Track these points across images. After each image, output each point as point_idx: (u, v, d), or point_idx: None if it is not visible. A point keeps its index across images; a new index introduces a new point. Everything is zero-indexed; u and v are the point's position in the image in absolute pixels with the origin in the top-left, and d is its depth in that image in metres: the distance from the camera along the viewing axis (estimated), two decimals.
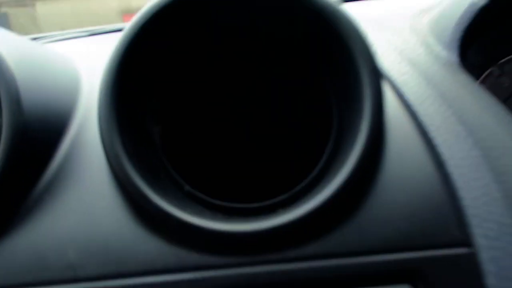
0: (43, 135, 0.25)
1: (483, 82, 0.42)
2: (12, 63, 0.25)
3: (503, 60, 0.41)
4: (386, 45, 0.34)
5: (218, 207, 0.26)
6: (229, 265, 0.21)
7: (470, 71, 0.40)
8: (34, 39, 0.51)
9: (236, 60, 0.28)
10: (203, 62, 0.28)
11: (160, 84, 0.27)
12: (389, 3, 0.49)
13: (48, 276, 0.22)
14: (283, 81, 0.27)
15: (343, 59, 0.24)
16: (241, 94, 0.27)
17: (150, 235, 0.23)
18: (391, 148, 0.24)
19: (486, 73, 0.42)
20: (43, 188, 0.25)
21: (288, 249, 0.22)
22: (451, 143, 0.24)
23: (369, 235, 0.22)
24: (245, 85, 0.27)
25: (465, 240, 0.21)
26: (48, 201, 0.24)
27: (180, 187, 0.26)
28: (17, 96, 0.24)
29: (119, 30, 0.59)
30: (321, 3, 0.23)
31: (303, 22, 0.25)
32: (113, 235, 0.23)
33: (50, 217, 0.24)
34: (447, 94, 0.27)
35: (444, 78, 0.29)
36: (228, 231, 0.21)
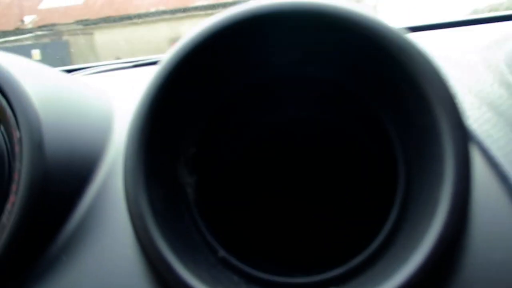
0: (65, 185, 0.23)
1: None
2: (38, 101, 0.23)
3: None
4: (458, 85, 0.29)
5: (257, 279, 0.21)
6: None
7: None
8: (73, 70, 0.50)
9: (286, 105, 0.24)
10: (249, 105, 0.25)
11: (199, 130, 0.24)
12: (456, 33, 0.44)
13: None
14: (339, 133, 0.23)
15: (415, 108, 0.20)
16: (292, 148, 0.24)
17: None
18: (477, 223, 0.19)
19: None
20: (61, 247, 0.22)
21: None
22: None
23: None
24: (298, 137, 0.24)
25: None
26: (64, 262, 0.21)
27: (214, 252, 0.22)
28: (40, 140, 0.22)
29: None
30: (387, 33, 0.19)
31: (361, 56, 0.21)
32: None
33: (65, 281, 0.21)
34: None
35: None
36: None
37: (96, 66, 0.58)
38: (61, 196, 0.22)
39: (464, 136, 0.18)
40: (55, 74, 0.28)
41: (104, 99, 0.31)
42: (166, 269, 0.19)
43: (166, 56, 0.21)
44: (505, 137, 0.23)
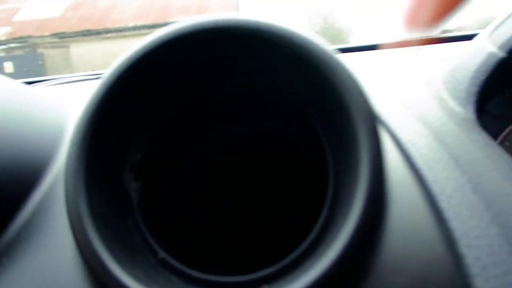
0: (10, 190, 0.23)
1: (504, 140, 0.38)
2: None
3: None
4: (394, 99, 0.31)
5: (195, 279, 0.22)
6: None
7: (490, 127, 0.37)
8: (36, 82, 0.50)
9: (226, 111, 0.25)
10: (192, 113, 0.26)
11: (144, 138, 0.25)
12: (403, 53, 0.47)
13: None
14: (275, 140, 0.24)
15: (341, 117, 0.21)
16: (231, 154, 0.25)
17: None
18: (393, 221, 0.21)
19: (507, 130, 0.39)
20: (2, 250, 0.22)
21: None
22: (465, 218, 0.21)
23: None
24: (236, 145, 0.25)
25: None
26: (5, 265, 0.22)
27: (155, 253, 0.23)
28: None
29: None
30: (317, 52, 0.21)
31: (297, 74, 0.23)
32: None
33: (5, 283, 0.21)
34: (462, 158, 0.24)
35: (459, 139, 0.26)
36: None
37: (61, 77, 0.58)
38: (4, 201, 0.23)
39: (376, 144, 0.19)
40: (9, 85, 0.29)
41: (59, 109, 0.32)
42: (102, 269, 0.19)
43: (108, 69, 0.22)
44: (428, 146, 0.25)
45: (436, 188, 0.22)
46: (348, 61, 0.22)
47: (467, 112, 0.31)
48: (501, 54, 0.31)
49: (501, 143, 0.38)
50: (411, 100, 0.31)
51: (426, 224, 0.21)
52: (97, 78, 0.54)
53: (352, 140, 0.21)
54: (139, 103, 0.24)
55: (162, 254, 0.23)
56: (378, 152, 0.20)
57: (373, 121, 0.20)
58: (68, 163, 0.21)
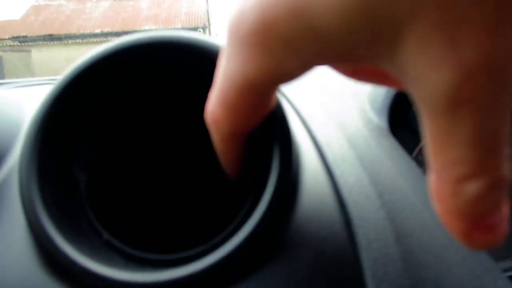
0: None
1: (419, 153, 0.44)
2: None
3: None
4: (320, 108, 0.36)
5: (135, 257, 0.26)
6: None
7: (408, 141, 0.42)
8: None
9: (165, 111, 0.29)
10: (133, 112, 0.29)
11: (90, 132, 0.28)
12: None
13: None
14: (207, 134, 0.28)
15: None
16: (167, 144, 0.29)
17: (55, 281, 0.23)
18: (302, 205, 0.25)
19: (421, 144, 0.44)
20: None
21: None
22: (360, 205, 0.25)
23: None
24: (173, 135, 0.29)
25: None
26: None
27: (99, 235, 0.26)
28: None
29: None
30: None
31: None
32: (19, 278, 0.23)
33: None
34: (366, 158, 0.29)
35: (368, 143, 0.31)
36: (127, 281, 0.21)
37: (20, 81, 0.60)
38: None
39: (287, 138, 0.24)
40: None
41: (16, 107, 0.34)
42: (51, 245, 0.22)
43: (72, 65, 0.25)
44: (340, 147, 0.30)
45: (341, 180, 0.27)
46: None
47: (381, 121, 0.36)
48: None
49: (416, 157, 0.44)
50: (336, 109, 0.36)
51: (329, 208, 0.25)
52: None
53: (267, 136, 0.25)
54: (87, 106, 0.27)
55: (106, 235, 0.26)
56: (289, 147, 0.24)
57: (286, 120, 0.24)
58: (23, 153, 0.24)
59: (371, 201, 0.25)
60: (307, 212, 0.25)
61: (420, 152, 0.43)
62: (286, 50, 0.14)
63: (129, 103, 0.29)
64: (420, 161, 0.43)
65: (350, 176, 0.27)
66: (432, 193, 0.13)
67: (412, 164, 0.30)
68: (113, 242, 0.26)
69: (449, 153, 0.12)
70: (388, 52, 0.12)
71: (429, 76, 0.12)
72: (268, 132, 0.25)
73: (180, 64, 0.27)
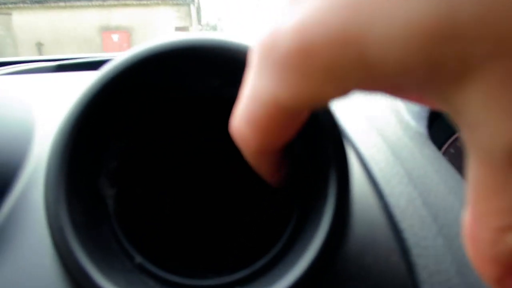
0: None
1: (449, 147, 0.42)
2: None
3: None
4: (355, 111, 0.34)
5: (170, 282, 0.24)
6: None
7: (436, 136, 0.41)
8: None
9: (195, 119, 0.27)
10: (162, 120, 0.27)
11: (121, 145, 0.26)
12: None
13: None
14: None
15: (310, 129, 0.23)
16: (204, 162, 0.26)
17: None
18: (355, 232, 0.23)
19: (452, 138, 0.43)
20: None
21: None
22: (416, 230, 0.23)
23: None
24: (210, 153, 0.26)
25: None
26: None
27: (131, 258, 0.24)
28: None
29: (88, 65, 0.58)
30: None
31: None
32: None
33: None
34: (414, 172, 0.27)
35: (412, 153, 0.29)
36: None
37: (15, 63, 0.56)
38: None
39: (344, 160, 0.22)
40: None
41: (25, 103, 0.31)
42: (84, 278, 0.20)
43: (97, 74, 0.22)
44: (386, 160, 0.28)
45: (392, 201, 0.25)
46: None
47: (420, 126, 0.34)
48: None
49: (446, 151, 0.42)
50: (370, 112, 0.34)
51: (383, 234, 0.24)
52: (57, 68, 0.52)
53: (322, 152, 0.23)
54: (118, 109, 0.24)
55: (138, 259, 0.24)
56: (346, 167, 0.22)
57: (340, 137, 0.22)
58: (48, 174, 0.21)
59: (427, 225, 0.24)
60: (361, 240, 0.23)
61: (450, 146, 0.42)
62: (327, 77, 0.13)
63: (157, 110, 0.26)
64: (452, 154, 0.42)
65: (401, 196, 0.25)
66: (466, 235, 0.13)
67: (458, 177, 0.29)
68: (146, 266, 0.24)
69: (498, 202, 0.12)
70: (446, 92, 0.11)
71: (492, 126, 0.11)
72: (317, 146, 0.22)
73: (212, 68, 0.24)
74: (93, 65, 0.58)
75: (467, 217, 0.13)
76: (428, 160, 0.29)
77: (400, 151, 0.29)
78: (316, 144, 0.23)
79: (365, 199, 0.25)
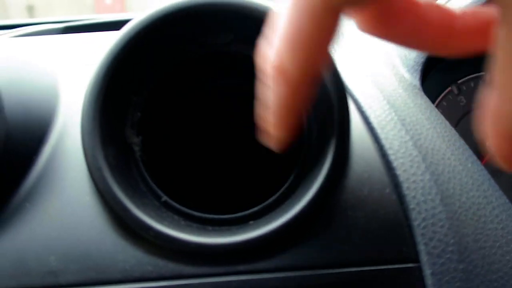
0: (24, 143, 0.26)
1: (442, 100, 0.45)
2: None
3: (461, 80, 0.45)
4: (355, 66, 0.36)
5: (193, 217, 0.27)
6: (203, 275, 0.23)
7: (430, 90, 0.43)
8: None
9: (219, 76, 0.29)
10: (188, 76, 0.29)
11: (144, 97, 0.28)
12: None
13: (29, 281, 0.23)
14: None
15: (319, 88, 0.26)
16: (221, 108, 0.29)
17: (129, 244, 0.24)
18: (353, 169, 0.27)
19: (445, 92, 0.45)
20: (24, 196, 0.26)
21: (257, 261, 0.24)
22: (407, 167, 0.27)
23: (329, 250, 0.24)
24: (226, 100, 0.29)
25: (414, 257, 0.24)
26: (29, 209, 0.25)
27: (158, 197, 0.27)
28: (1, 104, 0.25)
29: (94, 26, 0.59)
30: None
31: None
32: (93, 243, 0.24)
33: (31, 224, 0.25)
34: (407, 119, 0.30)
35: (406, 103, 0.32)
36: (203, 244, 0.23)
37: (23, 25, 0.57)
38: (21, 153, 0.26)
39: (345, 107, 0.24)
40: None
41: (47, 64, 0.33)
42: (123, 211, 0.24)
43: (125, 28, 0.25)
44: (382, 109, 0.31)
45: (386, 143, 0.28)
46: None
47: (414, 79, 0.37)
48: None
49: (439, 103, 0.45)
50: (368, 67, 0.36)
51: (377, 171, 0.27)
52: (65, 29, 0.54)
53: (325, 103, 0.25)
54: (141, 63, 0.27)
55: (164, 197, 0.27)
56: (347, 114, 0.25)
57: (343, 88, 0.25)
58: (84, 122, 0.24)
59: (416, 164, 0.27)
60: (359, 175, 0.26)
61: (443, 99, 0.45)
62: None
63: (174, 68, 0.29)
64: (444, 106, 0.45)
65: (394, 139, 0.28)
66: (488, 112, 0.13)
67: (447, 124, 0.32)
68: (171, 203, 0.27)
69: None
70: None
71: None
72: (323, 97, 0.25)
73: (226, 23, 0.27)
74: (99, 26, 0.59)
75: (491, 97, 0.13)
76: (420, 108, 0.32)
77: (395, 100, 0.32)
78: (321, 97, 0.26)
79: (363, 141, 0.28)
